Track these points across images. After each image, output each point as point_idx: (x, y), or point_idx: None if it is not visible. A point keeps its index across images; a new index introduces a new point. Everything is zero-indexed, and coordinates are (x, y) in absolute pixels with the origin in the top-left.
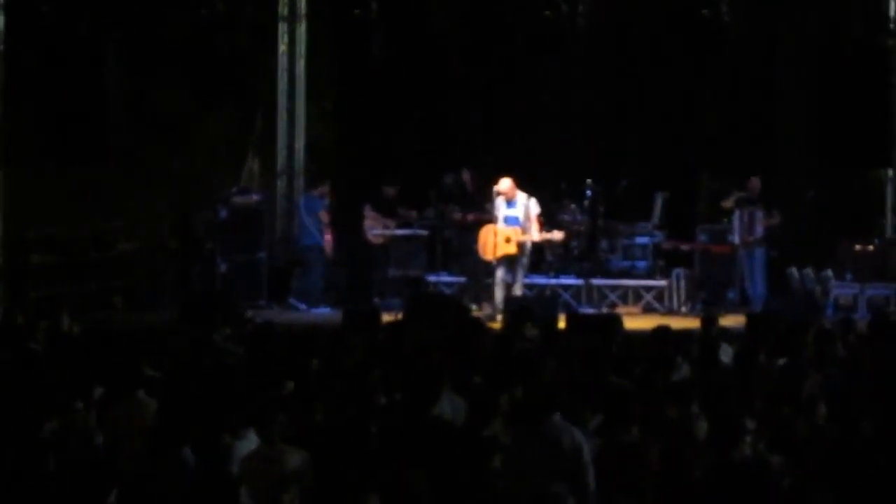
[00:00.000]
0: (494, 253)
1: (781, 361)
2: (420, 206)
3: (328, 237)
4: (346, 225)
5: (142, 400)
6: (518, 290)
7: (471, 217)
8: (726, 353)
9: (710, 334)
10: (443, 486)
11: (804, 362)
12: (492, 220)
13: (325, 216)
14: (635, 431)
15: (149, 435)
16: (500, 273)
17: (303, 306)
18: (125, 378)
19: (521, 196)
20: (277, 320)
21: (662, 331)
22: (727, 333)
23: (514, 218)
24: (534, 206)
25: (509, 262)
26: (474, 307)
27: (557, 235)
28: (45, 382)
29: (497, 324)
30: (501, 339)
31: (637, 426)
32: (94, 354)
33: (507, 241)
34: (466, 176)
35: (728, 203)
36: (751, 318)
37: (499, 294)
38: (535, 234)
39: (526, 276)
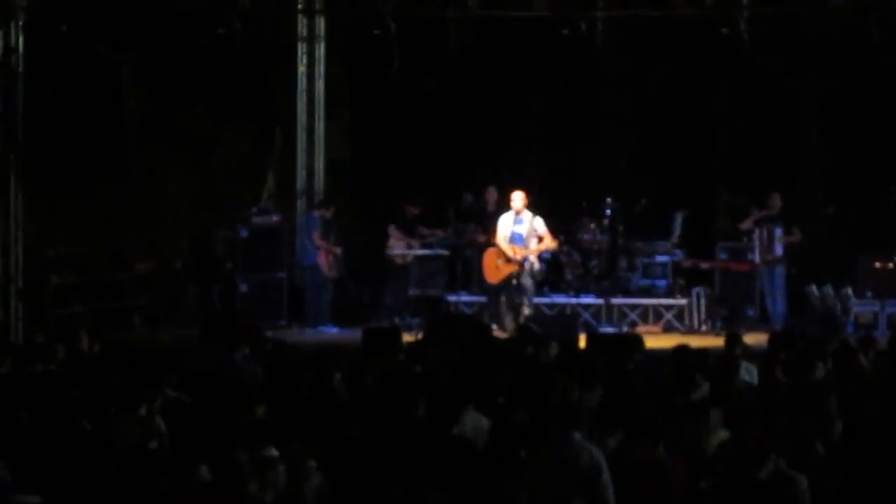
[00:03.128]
0: (497, 276)
1: (803, 379)
2: (439, 226)
3: (321, 258)
4: (365, 244)
5: (144, 417)
6: (527, 311)
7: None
8: (749, 372)
9: (734, 353)
10: None
11: (825, 380)
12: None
13: (316, 236)
14: (660, 450)
15: (164, 453)
16: (504, 298)
17: (308, 329)
18: (143, 397)
19: (526, 213)
20: (296, 340)
21: (682, 350)
22: (749, 351)
23: (520, 235)
24: (539, 225)
25: (513, 282)
26: (494, 327)
27: (552, 244)
28: (64, 401)
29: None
30: (521, 358)
31: (661, 445)
32: (114, 373)
33: (508, 260)
34: (491, 194)
35: (746, 225)
36: (772, 337)
37: (508, 318)
38: (533, 246)
39: (547, 296)
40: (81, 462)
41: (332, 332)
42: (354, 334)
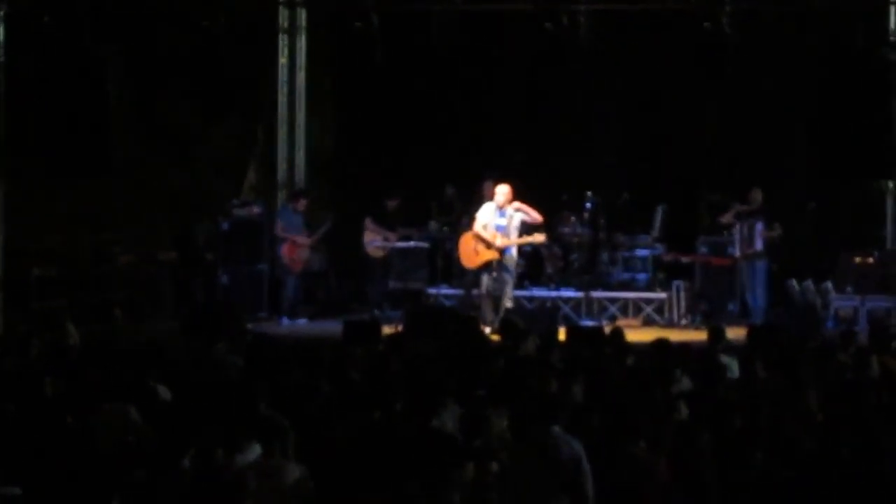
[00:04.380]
0: (475, 261)
1: (784, 374)
2: (422, 218)
3: (284, 249)
4: (346, 236)
5: (119, 409)
6: (508, 303)
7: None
8: (730, 367)
9: (716, 348)
10: (442, 499)
11: (805, 375)
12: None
13: (279, 227)
14: (640, 444)
15: (147, 445)
16: (485, 280)
17: (284, 320)
18: (126, 390)
19: (510, 208)
20: (276, 332)
21: (662, 344)
22: (729, 346)
23: (503, 227)
24: (517, 217)
25: (493, 273)
26: None
27: (539, 238)
28: (43, 392)
29: (494, 336)
30: (501, 351)
31: (640, 438)
32: (95, 366)
33: (488, 246)
34: (489, 188)
35: (726, 219)
36: (752, 331)
37: (487, 308)
38: (515, 237)
39: (527, 289)
40: (62, 454)
41: (299, 323)
42: (335, 326)
